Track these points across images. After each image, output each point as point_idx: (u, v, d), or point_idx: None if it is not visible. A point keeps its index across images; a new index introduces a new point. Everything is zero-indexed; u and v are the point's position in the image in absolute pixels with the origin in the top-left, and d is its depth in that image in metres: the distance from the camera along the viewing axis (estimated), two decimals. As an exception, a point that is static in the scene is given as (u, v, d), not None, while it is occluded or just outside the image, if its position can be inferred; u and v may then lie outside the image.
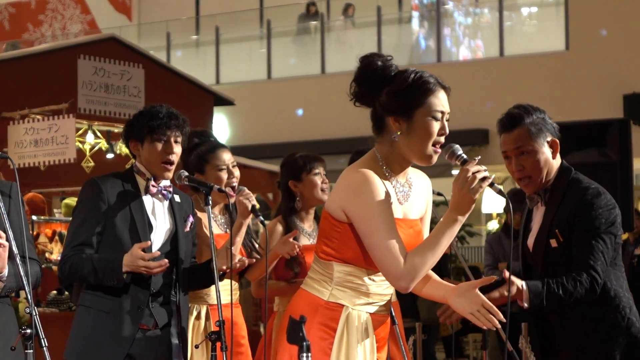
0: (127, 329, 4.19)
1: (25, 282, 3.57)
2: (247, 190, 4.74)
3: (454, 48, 19.15)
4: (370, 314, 3.44)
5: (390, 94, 3.37)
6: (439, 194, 6.00)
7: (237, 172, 4.97)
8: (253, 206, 4.72)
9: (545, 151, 4.16)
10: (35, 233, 10.53)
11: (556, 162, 4.21)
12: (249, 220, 4.78)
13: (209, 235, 4.34)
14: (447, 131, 3.39)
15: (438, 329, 12.02)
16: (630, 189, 5.83)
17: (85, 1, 23.81)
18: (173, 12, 22.17)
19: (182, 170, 4.53)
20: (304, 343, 2.38)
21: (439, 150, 3.37)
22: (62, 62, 9.83)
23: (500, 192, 3.29)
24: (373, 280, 3.43)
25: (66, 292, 9.07)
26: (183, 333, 4.38)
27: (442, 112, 3.37)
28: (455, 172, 18.30)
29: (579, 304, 4.10)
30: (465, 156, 3.31)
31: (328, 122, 17.43)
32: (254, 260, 4.77)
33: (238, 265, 4.52)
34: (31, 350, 3.49)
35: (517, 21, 18.89)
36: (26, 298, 3.55)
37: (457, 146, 3.34)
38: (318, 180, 5.28)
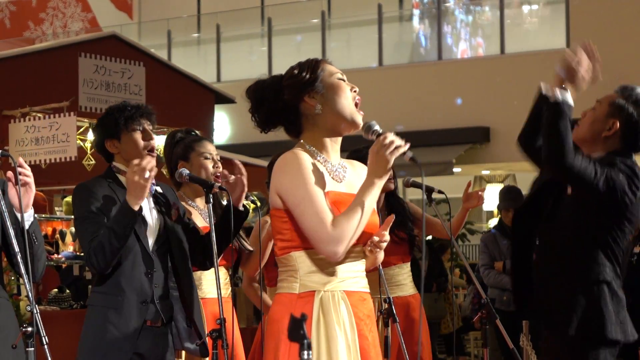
0: (133, 324, 4.19)
1: (26, 280, 3.58)
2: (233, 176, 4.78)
3: (454, 46, 19.14)
4: (344, 291, 3.42)
5: (287, 81, 3.51)
6: (440, 192, 6.01)
7: (220, 166, 5.06)
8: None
9: (604, 120, 4.36)
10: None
11: (607, 144, 4.37)
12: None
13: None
14: (357, 89, 3.53)
15: (439, 327, 12.02)
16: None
17: (86, -1, 23.82)
18: (174, 10, 22.17)
19: (183, 169, 4.54)
20: (305, 341, 2.38)
21: (361, 112, 3.49)
22: (63, 60, 9.84)
23: (412, 159, 3.38)
24: None
25: (67, 290, 9.09)
26: (200, 325, 4.37)
27: (341, 74, 3.54)
28: (456, 170, 18.28)
29: (562, 267, 4.27)
30: (380, 130, 3.43)
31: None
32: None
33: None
34: (32, 348, 3.50)
35: (518, 19, 18.88)
36: (27, 296, 3.56)
37: (374, 122, 3.45)
38: None
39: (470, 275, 5.64)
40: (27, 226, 3.90)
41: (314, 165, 3.43)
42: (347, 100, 3.48)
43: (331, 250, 3.32)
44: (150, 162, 4.07)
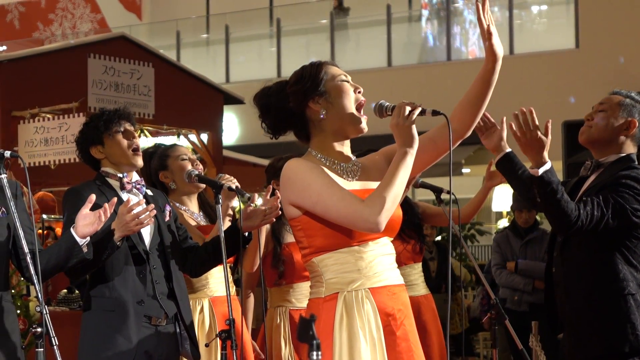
0: (131, 323, 4.21)
1: (35, 280, 3.59)
2: (227, 175, 4.79)
3: (463, 46, 19.13)
4: (370, 289, 3.40)
5: (292, 87, 3.51)
6: (449, 192, 6.01)
7: (199, 163, 5.10)
8: (237, 187, 4.76)
9: (619, 121, 4.31)
10: (46, 232, 10.56)
11: (623, 146, 4.33)
12: (233, 202, 4.81)
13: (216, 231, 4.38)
14: (362, 90, 3.51)
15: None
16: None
17: (96, 0, 23.86)
18: (183, 11, 22.20)
19: (192, 169, 4.57)
20: (314, 341, 2.39)
21: (364, 116, 3.48)
22: (72, 61, 9.86)
23: (435, 112, 3.36)
24: (357, 254, 3.40)
25: (77, 291, 9.09)
26: (191, 326, 4.39)
27: (345, 75, 3.52)
28: (465, 170, 18.27)
29: (584, 280, 4.20)
30: (393, 104, 3.41)
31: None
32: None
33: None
34: (42, 349, 3.51)
35: (527, 19, 18.87)
36: (37, 297, 3.57)
37: (383, 100, 3.43)
38: None
39: (480, 277, 5.63)
40: (85, 249, 3.96)
41: (320, 167, 3.42)
42: (350, 103, 3.46)
43: (372, 221, 3.27)
44: (148, 215, 4.08)
